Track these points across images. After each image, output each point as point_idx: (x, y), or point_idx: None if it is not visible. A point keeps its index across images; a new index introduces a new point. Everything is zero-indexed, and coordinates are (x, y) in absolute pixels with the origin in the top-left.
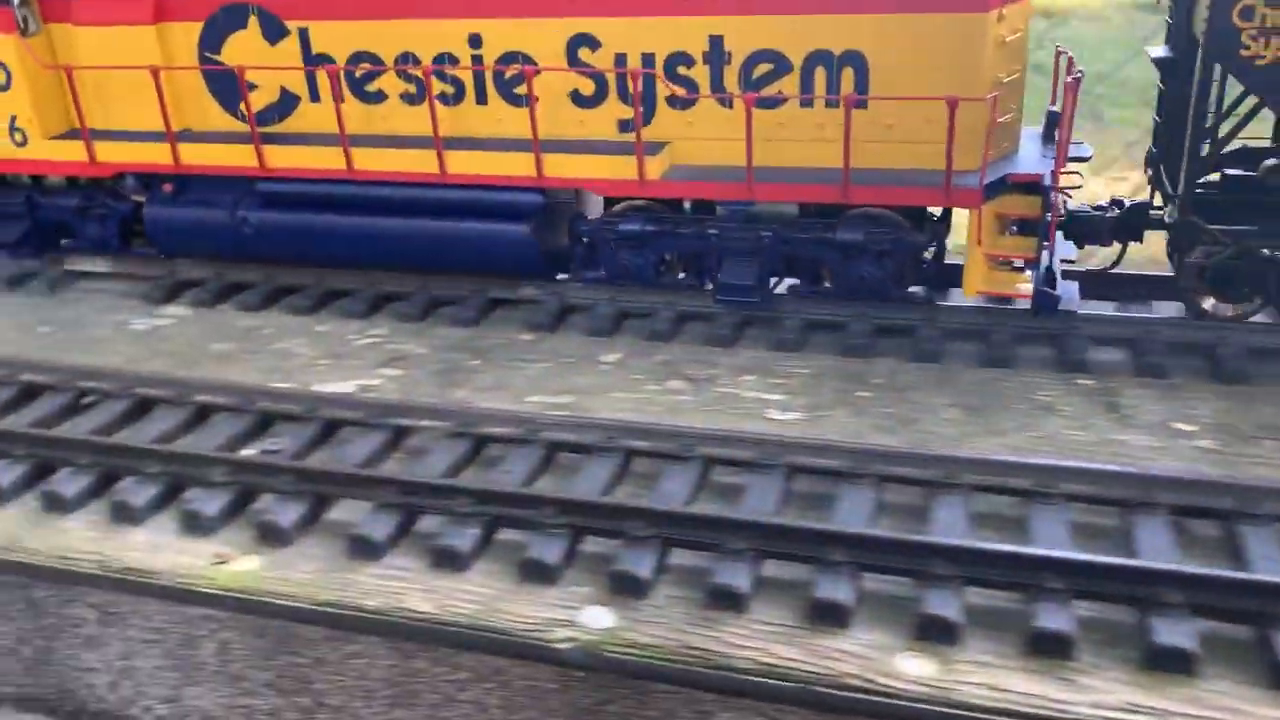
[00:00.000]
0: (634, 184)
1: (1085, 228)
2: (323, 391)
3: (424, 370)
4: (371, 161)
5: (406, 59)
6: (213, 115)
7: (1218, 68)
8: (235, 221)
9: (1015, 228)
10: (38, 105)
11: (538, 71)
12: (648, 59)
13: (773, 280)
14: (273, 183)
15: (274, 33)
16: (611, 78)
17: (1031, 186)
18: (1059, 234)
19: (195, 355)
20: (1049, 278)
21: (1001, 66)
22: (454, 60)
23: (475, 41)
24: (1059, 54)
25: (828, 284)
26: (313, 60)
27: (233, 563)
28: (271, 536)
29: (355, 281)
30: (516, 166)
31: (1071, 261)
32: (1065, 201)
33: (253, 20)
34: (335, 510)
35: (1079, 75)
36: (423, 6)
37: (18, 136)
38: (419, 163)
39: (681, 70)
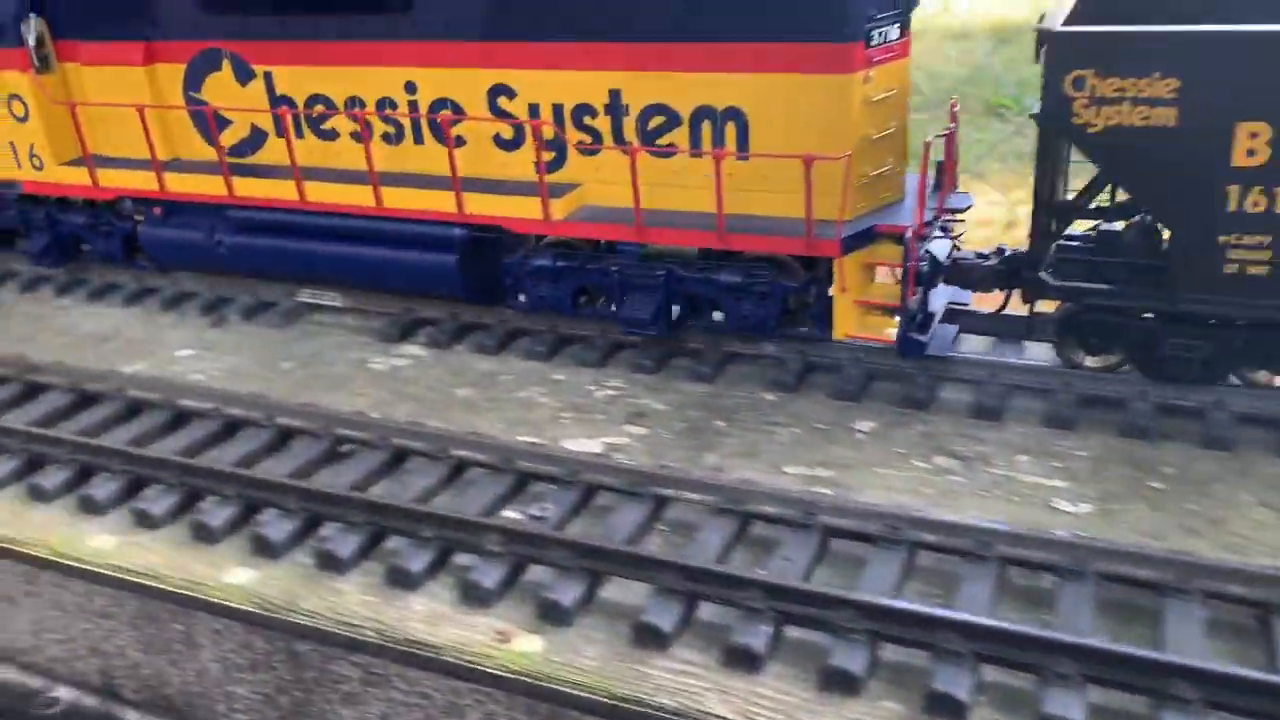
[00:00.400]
0: (541, 223)
1: (967, 275)
2: (576, 451)
3: (669, 430)
4: (320, 194)
5: (353, 102)
6: (197, 147)
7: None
8: (213, 243)
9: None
10: (50, 135)
11: (455, 120)
12: (557, 109)
13: (676, 312)
14: (240, 210)
15: (243, 75)
16: (527, 125)
17: (899, 237)
18: (942, 281)
19: (440, 401)
20: (922, 322)
21: (872, 124)
22: (394, 105)
23: (410, 88)
24: (952, 106)
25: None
26: (276, 101)
27: (514, 640)
28: (552, 615)
29: (587, 328)
30: (442, 203)
31: (963, 305)
32: (953, 248)
33: (225, 64)
34: (611, 588)
35: (951, 129)
36: (366, 55)
37: (35, 162)
38: (360, 196)
39: (586, 120)
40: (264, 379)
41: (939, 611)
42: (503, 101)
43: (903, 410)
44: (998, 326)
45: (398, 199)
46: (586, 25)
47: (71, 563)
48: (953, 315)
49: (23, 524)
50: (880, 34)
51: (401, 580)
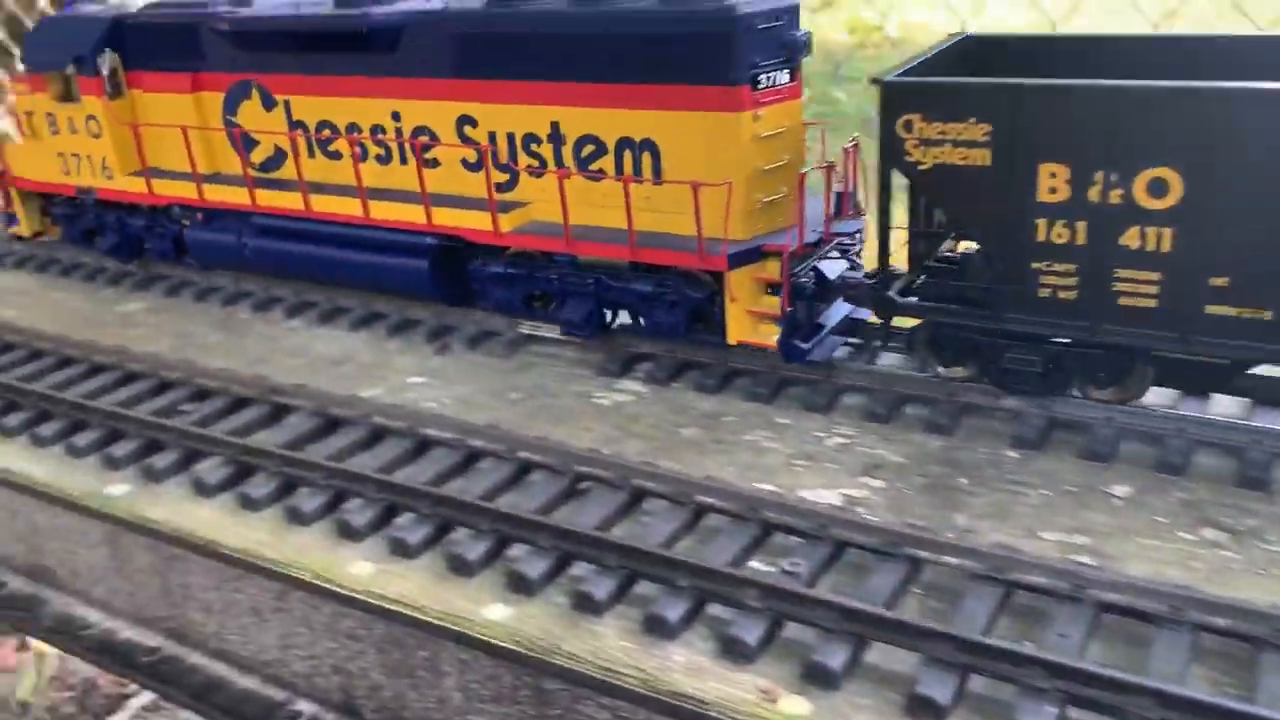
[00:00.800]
0: (492, 234)
1: (849, 293)
2: (815, 502)
3: (909, 484)
4: (322, 205)
5: (352, 128)
6: (234, 163)
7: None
8: (240, 245)
9: (769, 289)
10: (118, 151)
11: (427, 146)
12: (510, 137)
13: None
14: (261, 217)
15: (268, 103)
16: (485, 150)
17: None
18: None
19: (666, 440)
20: (807, 331)
21: (761, 157)
22: (383, 130)
23: (396, 117)
24: (853, 144)
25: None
26: (293, 125)
27: (780, 701)
28: (818, 677)
29: (810, 372)
30: (415, 215)
31: (865, 321)
32: (849, 268)
33: (255, 93)
34: (875, 652)
35: (829, 163)
36: (362, 88)
37: (107, 173)
38: (352, 208)
39: (533, 147)
40: (493, 409)
41: (1252, 709)
42: (468, 129)
43: (1158, 474)
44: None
45: (382, 210)
46: (531, 67)
47: (329, 586)
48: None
49: (284, 546)
50: (768, 78)
51: (659, 628)
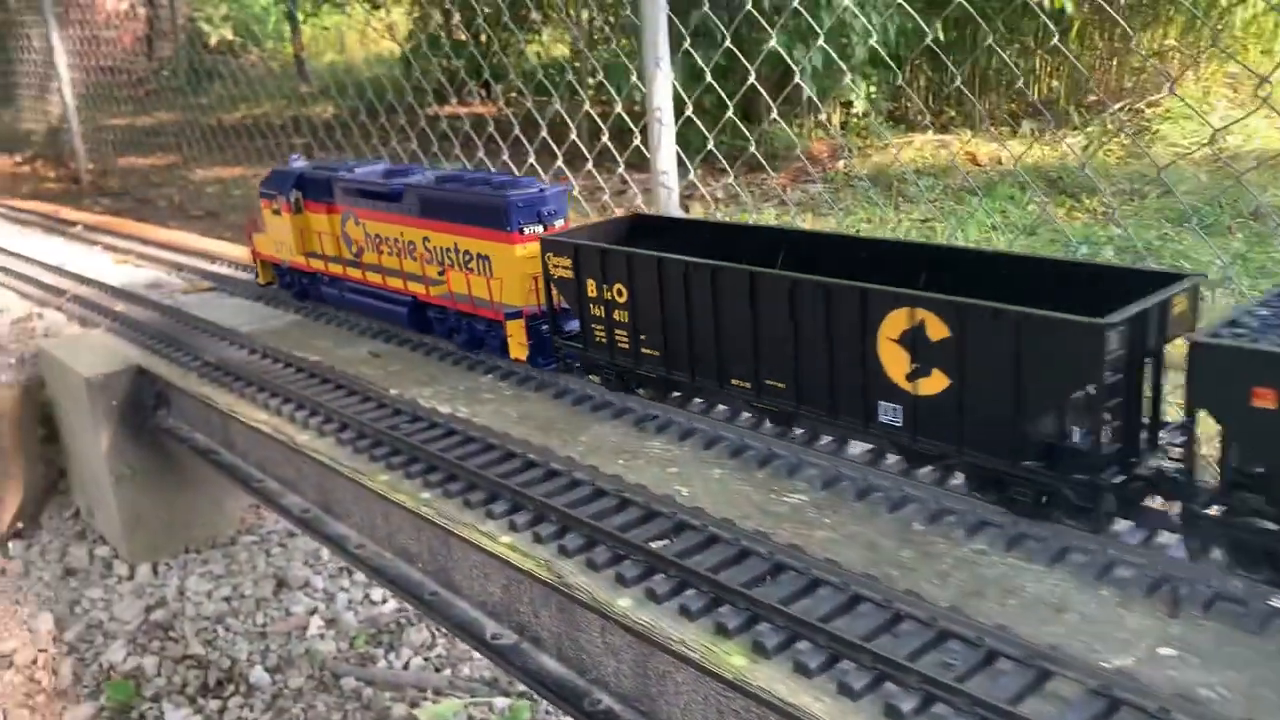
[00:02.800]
0: (426, 297)
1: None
2: None
3: None
4: (366, 277)
5: (385, 239)
6: (345, 253)
7: None
8: (340, 295)
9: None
10: (296, 241)
11: (410, 251)
12: (444, 249)
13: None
14: (348, 281)
15: (357, 223)
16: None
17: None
18: None
19: None
20: (545, 356)
21: (523, 267)
22: (397, 241)
23: (401, 235)
24: None
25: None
26: (366, 237)
27: None
28: None
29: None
30: (402, 285)
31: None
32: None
33: (351, 218)
34: None
35: None
36: (389, 219)
37: (290, 252)
38: (378, 280)
39: (448, 255)
40: None
41: None
42: (426, 244)
43: None
44: None
45: (388, 281)
46: (447, 216)
47: None
48: None
49: None
50: (530, 228)
51: None
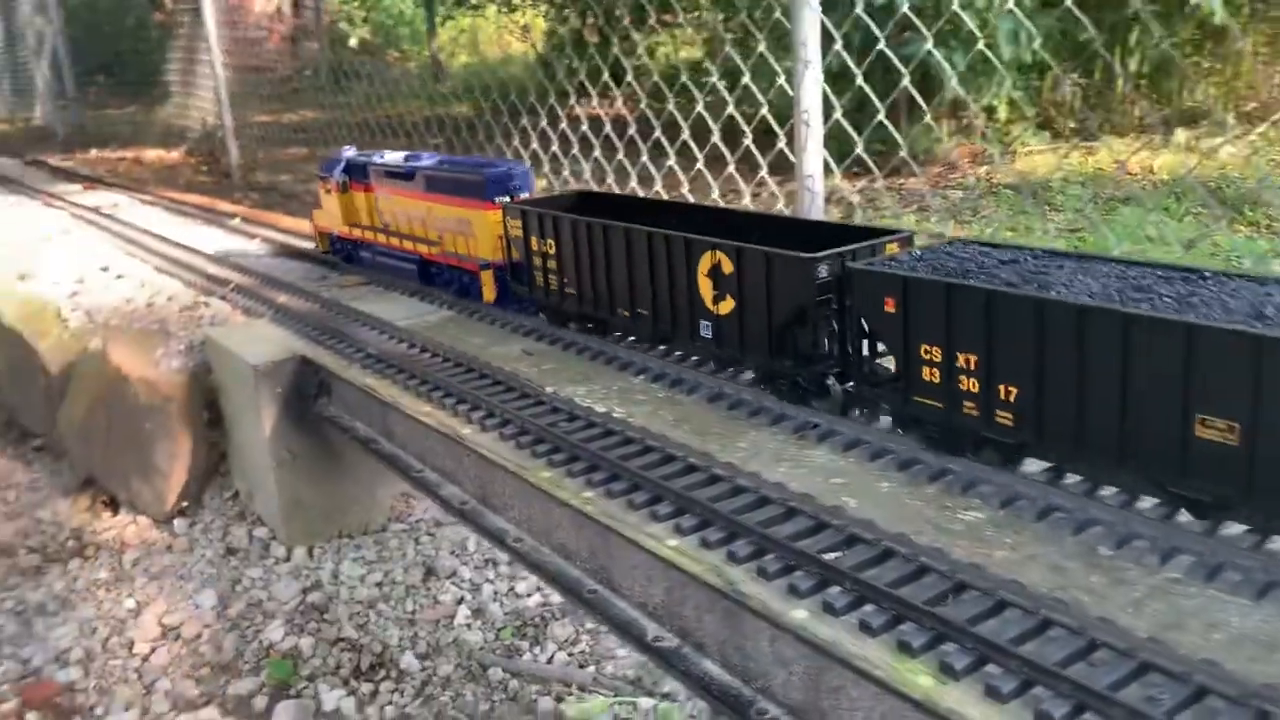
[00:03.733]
0: (429, 255)
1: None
2: None
3: None
4: (389, 242)
5: (406, 212)
6: (375, 222)
7: None
8: (371, 259)
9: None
10: (343, 215)
11: (422, 220)
12: (444, 219)
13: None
14: (379, 246)
15: (386, 200)
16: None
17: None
18: None
19: None
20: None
21: (495, 230)
22: (412, 213)
23: (415, 207)
24: None
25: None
26: (391, 207)
27: None
28: None
29: None
30: (412, 248)
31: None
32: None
33: (381, 195)
34: None
35: None
36: (408, 195)
37: (337, 223)
38: (400, 244)
39: (451, 222)
40: None
41: None
42: (430, 213)
43: None
44: None
45: (404, 245)
46: (445, 190)
47: None
48: None
49: None
50: (500, 199)
51: None
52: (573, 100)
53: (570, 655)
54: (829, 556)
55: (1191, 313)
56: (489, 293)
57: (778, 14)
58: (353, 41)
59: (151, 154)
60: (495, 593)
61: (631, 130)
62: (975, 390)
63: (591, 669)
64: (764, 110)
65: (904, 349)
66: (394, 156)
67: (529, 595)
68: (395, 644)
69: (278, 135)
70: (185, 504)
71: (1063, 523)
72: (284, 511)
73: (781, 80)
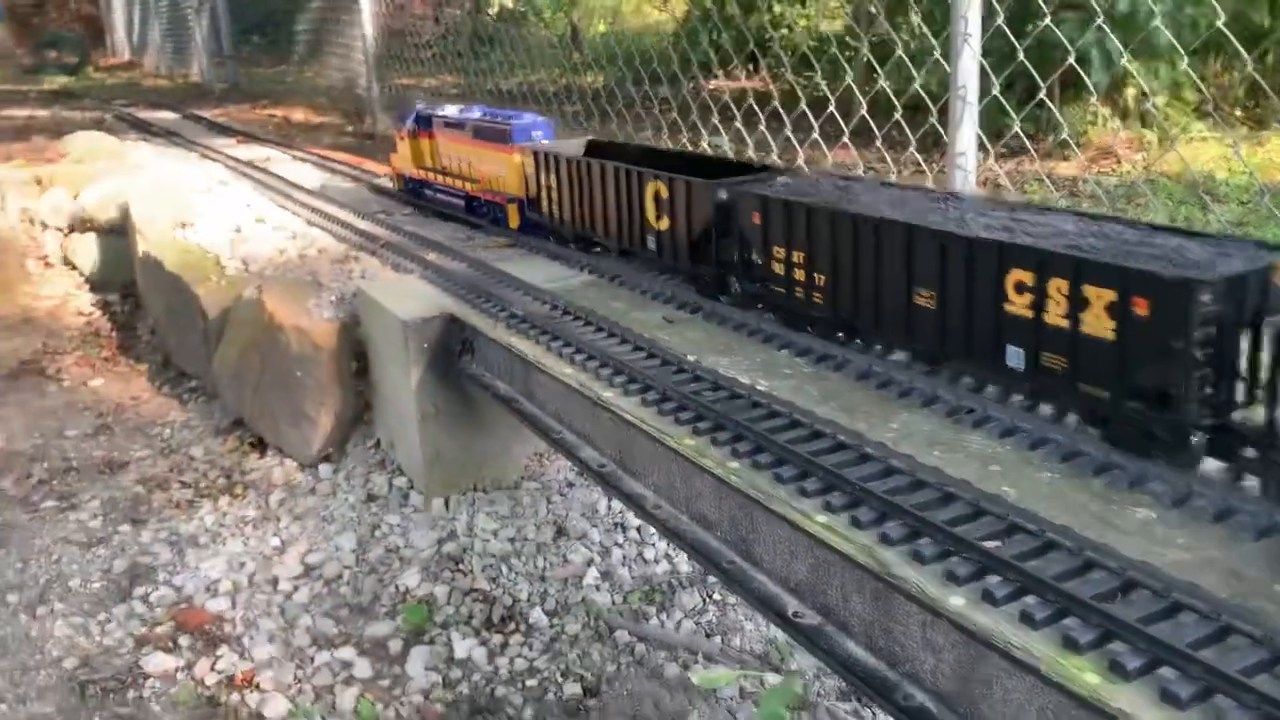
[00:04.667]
0: (472, 191)
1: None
2: None
3: None
4: (446, 180)
5: (460, 156)
6: (436, 164)
7: None
8: (432, 195)
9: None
10: (413, 159)
11: (469, 162)
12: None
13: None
14: (437, 184)
15: (445, 148)
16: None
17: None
18: None
19: None
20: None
21: (521, 170)
22: (463, 157)
23: (466, 153)
24: None
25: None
26: (448, 152)
27: None
28: None
29: None
30: (462, 185)
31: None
32: None
33: (440, 142)
34: None
35: None
36: (461, 142)
37: (409, 166)
38: (452, 183)
39: (486, 163)
40: None
41: None
42: (475, 156)
43: None
44: None
45: (455, 183)
46: (482, 137)
47: None
48: None
49: None
50: (525, 144)
51: None
52: (717, 71)
53: (697, 625)
54: (989, 545)
55: (916, 219)
56: (514, 221)
57: None
58: (494, 9)
59: (299, 113)
60: (624, 557)
61: (775, 102)
62: (802, 279)
63: (718, 640)
64: (917, 84)
65: (764, 249)
66: (451, 109)
67: (656, 562)
68: (525, 599)
69: (419, 99)
70: (330, 450)
71: (1243, 526)
72: (426, 463)
73: (937, 54)
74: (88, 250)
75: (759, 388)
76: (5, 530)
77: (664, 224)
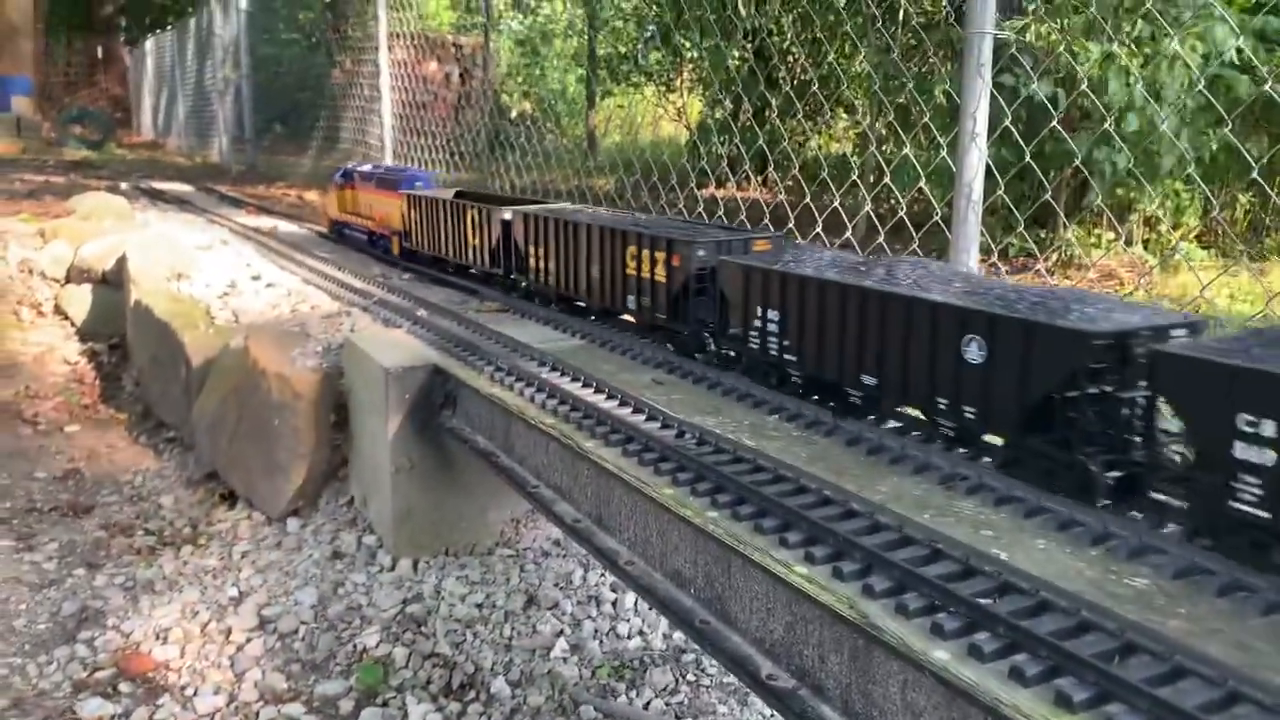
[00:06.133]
0: (372, 227)
1: None
2: None
3: None
4: (358, 221)
5: (373, 204)
6: (357, 211)
7: None
8: (348, 237)
9: None
10: (338, 206)
11: (368, 204)
12: (374, 201)
13: None
14: (350, 225)
15: (359, 192)
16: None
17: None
18: None
19: None
20: None
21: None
22: (375, 205)
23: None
24: None
25: None
26: (361, 199)
27: None
28: None
29: None
30: (366, 223)
31: None
32: None
33: (360, 193)
34: None
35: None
36: (376, 193)
37: (336, 211)
38: (361, 222)
39: (376, 204)
40: None
41: None
42: (374, 200)
43: None
44: None
45: (364, 222)
46: (379, 186)
47: None
48: None
49: None
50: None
51: None
52: (725, 179)
53: (667, 705)
54: (981, 601)
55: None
56: (395, 248)
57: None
58: (514, 113)
59: (313, 194)
60: (596, 630)
61: (781, 201)
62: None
63: None
64: (921, 183)
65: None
66: (365, 167)
67: (630, 637)
68: (489, 667)
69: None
70: (300, 504)
71: (1250, 601)
72: (395, 520)
73: (944, 152)
74: (81, 300)
75: (745, 444)
76: None
77: (477, 240)
